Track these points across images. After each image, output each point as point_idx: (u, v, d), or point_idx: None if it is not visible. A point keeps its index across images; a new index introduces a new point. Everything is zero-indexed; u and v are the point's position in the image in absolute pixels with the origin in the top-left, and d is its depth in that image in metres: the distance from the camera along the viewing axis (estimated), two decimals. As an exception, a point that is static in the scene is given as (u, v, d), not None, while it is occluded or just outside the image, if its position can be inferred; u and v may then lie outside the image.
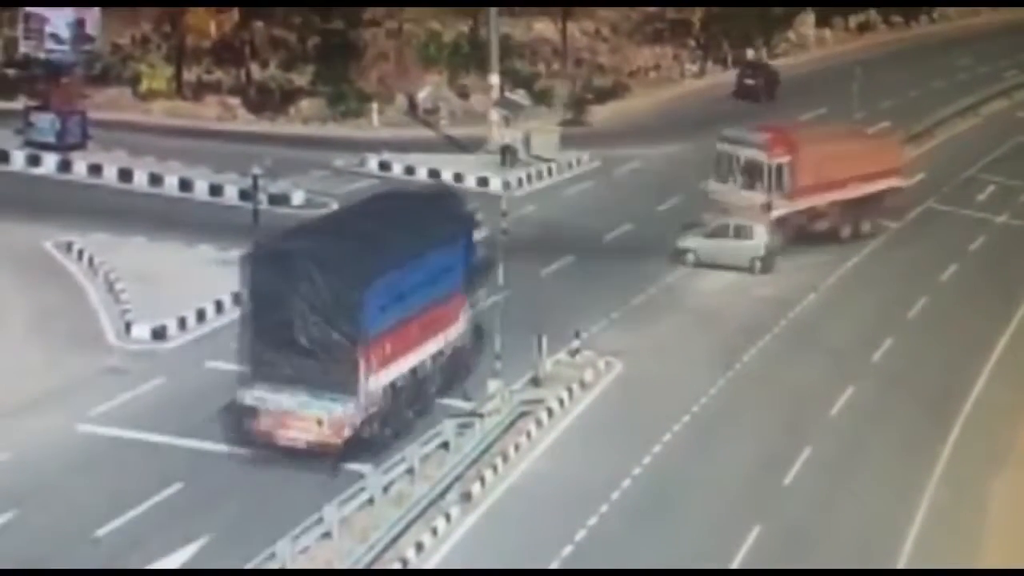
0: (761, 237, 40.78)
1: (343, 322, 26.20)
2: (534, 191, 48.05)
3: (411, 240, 28.48)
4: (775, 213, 41.79)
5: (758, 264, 40.74)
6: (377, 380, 26.90)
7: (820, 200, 43.11)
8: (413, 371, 28.45)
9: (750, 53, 71.44)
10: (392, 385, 27.60)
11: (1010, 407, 33.73)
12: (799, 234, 42.76)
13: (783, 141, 42.78)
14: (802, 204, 42.61)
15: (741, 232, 40.89)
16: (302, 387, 26.38)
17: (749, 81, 64.93)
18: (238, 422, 27.18)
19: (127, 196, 43.67)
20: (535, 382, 31.55)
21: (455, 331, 30.22)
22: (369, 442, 27.01)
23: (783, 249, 41.75)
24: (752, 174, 42.18)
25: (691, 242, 41.14)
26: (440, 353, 29.60)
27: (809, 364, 35.02)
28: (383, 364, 27.09)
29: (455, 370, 30.43)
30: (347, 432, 26.37)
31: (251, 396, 26.74)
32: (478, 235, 30.73)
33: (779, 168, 42.02)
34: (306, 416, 26.37)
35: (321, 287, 26.19)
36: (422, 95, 57.96)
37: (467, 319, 30.87)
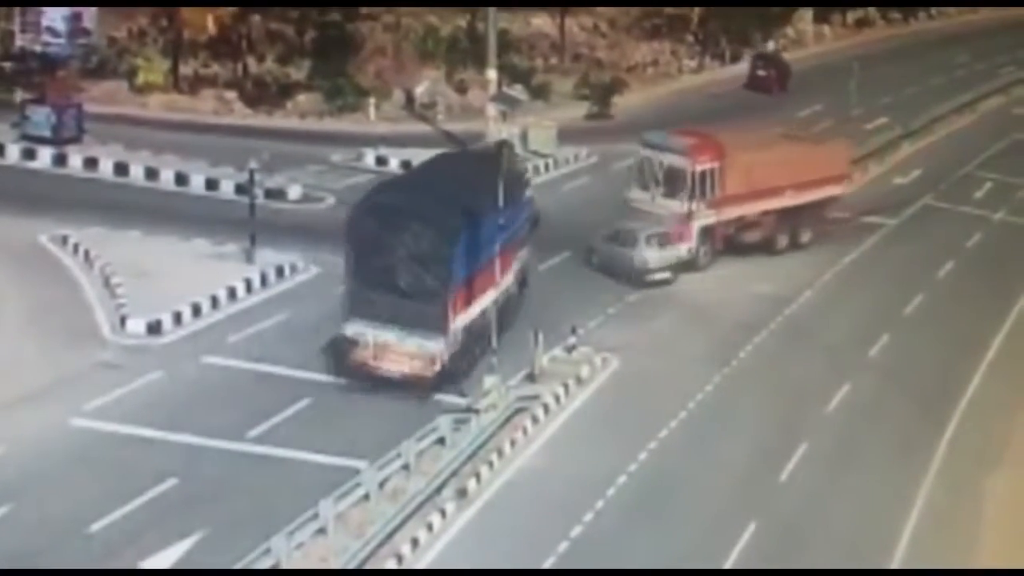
0: (642, 249, 38.18)
1: (437, 269, 29.63)
2: (531, 186, 47.90)
3: (484, 196, 30.72)
4: (699, 223, 39.78)
5: (634, 276, 38.12)
6: (460, 321, 30.20)
7: (751, 209, 41.04)
8: (482, 314, 31.20)
9: (770, 45, 71.51)
10: (468, 325, 30.70)
11: (1006, 404, 33.75)
12: (729, 245, 40.85)
13: (708, 146, 40.48)
14: (730, 214, 40.56)
15: (627, 241, 38.55)
16: (399, 325, 29.60)
17: (761, 72, 64.93)
18: (341, 353, 30.21)
19: (123, 190, 43.57)
20: (531, 378, 31.54)
21: (509, 279, 33.38)
22: (451, 375, 30.09)
23: (710, 260, 40.14)
24: (674, 181, 39.85)
25: (596, 243, 39.44)
26: (498, 299, 32.11)
27: (805, 361, 35.01)
28: (464, 307, 30.43)
29: (507, 315, 32.88)
30: (438, 366, 29.65)
31: (353, 330, 29.88)
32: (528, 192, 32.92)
33: (703, 175, 39.77)
34: (402, 350, 29.68)
35: (421, 238, 29.67)
36: (419, 90, 57.87)
37: (516, 269, 34.09)
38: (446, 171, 34.45)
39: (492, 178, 30.79)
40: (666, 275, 38.78)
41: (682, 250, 39.38)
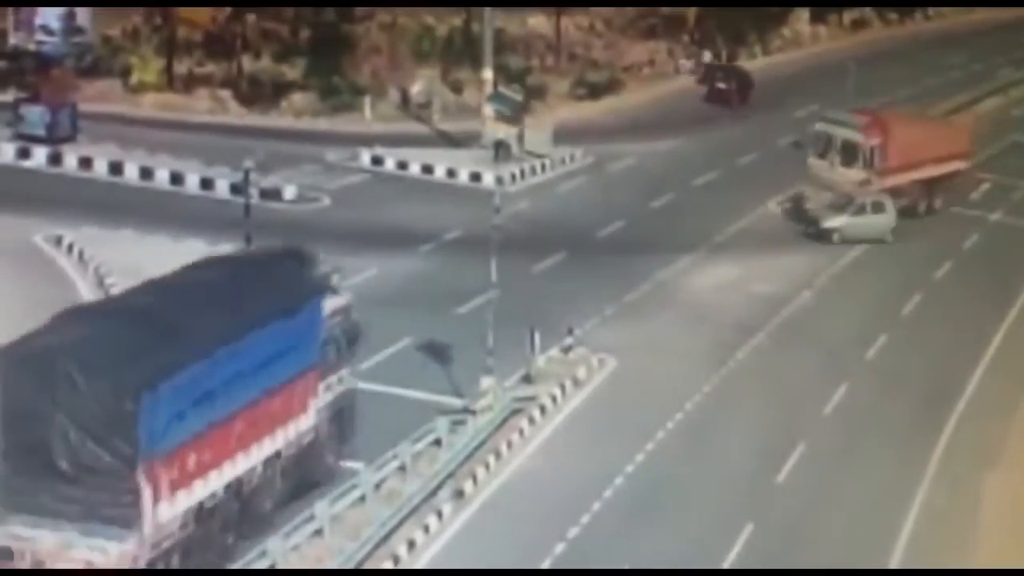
0: (891, 211, 44.83)
1: (115, 439, 20.71)
2: (527, 187, 47.87)
3: (223, 322, 22.88)
4: (870, 189, 45.62)
5: (890, 235, 44.58)
6: (172, 505, 21.51)
7: (904, 179, 46.84)
8: (233, 485, 23.04)
9: (707, 55, 68.27)
10: (199, 507, 22.20)
11: (1003, 405, 33.70)
12: None
13: (877, 124, 46.98)
14: (889, 182, 46.37)
15: (877, 207, 44.80)
16: (67, 521, 20.99)
17: (722, 85, 62.04)
18: None
19: (117, 189, 43.42)
20: (528, 379, 31.42)
21: (301, 424, 24.86)
22: None
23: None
24: (849, 153, 46.32)
25: (836, 222, 44.22)
26: (277, 455, 24.19)
27: (803, 361, 34.93)
28: (182, 484, 21.68)
29: (306, 471, 25.17)
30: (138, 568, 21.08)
31: (4, 534, 21.13)
32: (336, 301, 25.89)
33: (872, 149, 46.06)
34: (73, 558, 20.93)
35: (86, 395, 20.73)
36: (415, 89, 57.76)
37: (324, 404, 25.69)
38: (177, 290, 24.22)
39: (254, 293, 24.01)
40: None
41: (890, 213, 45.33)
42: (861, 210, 44.64)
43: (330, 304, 25.62)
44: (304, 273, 25.97)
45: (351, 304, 26.59)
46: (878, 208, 44.91)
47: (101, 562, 20.80)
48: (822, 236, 44.09)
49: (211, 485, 22.38)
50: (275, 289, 24.73)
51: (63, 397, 20.79)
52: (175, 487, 21.48)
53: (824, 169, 46.79)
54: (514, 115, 49.57)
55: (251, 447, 23.32)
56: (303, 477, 25.08)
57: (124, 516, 20.89)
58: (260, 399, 23.41)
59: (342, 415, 26.47)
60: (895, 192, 46.52)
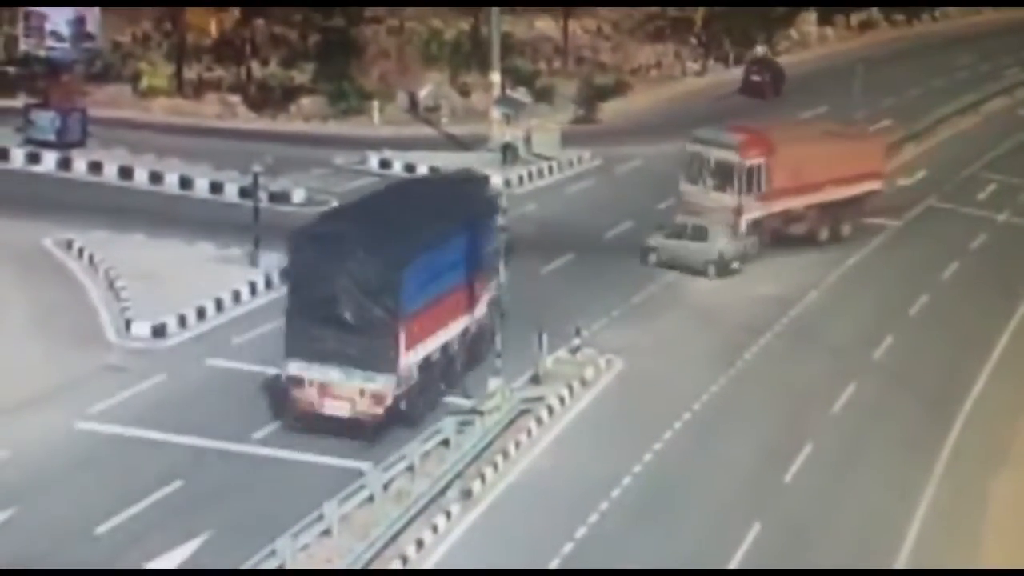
0: (716, 240, 39.69)
1: (385, 299, 27.51)
2: (535, 189, 48.01)
3: (443, 223, 29.83)
4: (748, 216, 40.99)
5: (711, 268, 39.56)
6: (414, 355, 28.31)
7: (797, 203, 42.28)
8: (444, 347, 29.70)
9: (759, 50, 71.40)
10: (427, 360, 28.94)
11: (1010, 405, 33.70)
12: (776, 238, 41.96)
13: (757, 142, 41.81)
14: (777, 207, 41.76)
15: (698, 234, 39.90)
16: (345, 360, 27.53)
17: (756, 77, 65.01)
18: (281, 395, 28.33)
19: (127, 194, 43.63)
20: (536, 380, 31.53)
21: (480, 309, 31.53)
22: (406, 415, 28.25)
23: (759, 253, 41.05)
24: (723, 176, 41.18)
25: (655, 241, 40.49)
26: (467, 330, 30.84)
27: (810, 362, 34.99)
28: (419, 340, 28.44)
29: (479, 347, 31.41)
30: (387, 403, 27.66)
31: (296, 368, 27.80)
32: (501, 218, 31.02)
33: (752, 170, 41.09)
34: (348, 387, 27.60)
35: (366, 265, 27.54)
36: (423, 93, 57.90)
37: (489, 298, 32.07)
38: (402, 198, 32.48)
39: (455, 205, 30.24)
40: (738, 265, 40.20)
41: (749, 241, 40.73)
42: (679, 233, 40.04)
43: (499, 220, 31.14)
44: (487, 192, 33.56)
45: (508, 224, 31.57)
46: (699, 234, 39.71)
47: (369, 390, 27.46)
48: (643, 253, 40.29)
49: (433, 344, 29.06)
50: (473, 202, 31.92)
51: (349, 266, 27.49)
52: (414, 342, 28.17)
53: (697, 195, 41.51)
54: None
55: (455, 320, 30.13)
56: (473, 353, 31.19)
57: (384, 361, 27.51)
58: (461, 285, 30.29)
59: (495, 309, 32.19)
60: (787, 218, 42.11)
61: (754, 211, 41.25)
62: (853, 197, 43.91)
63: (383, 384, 27.60)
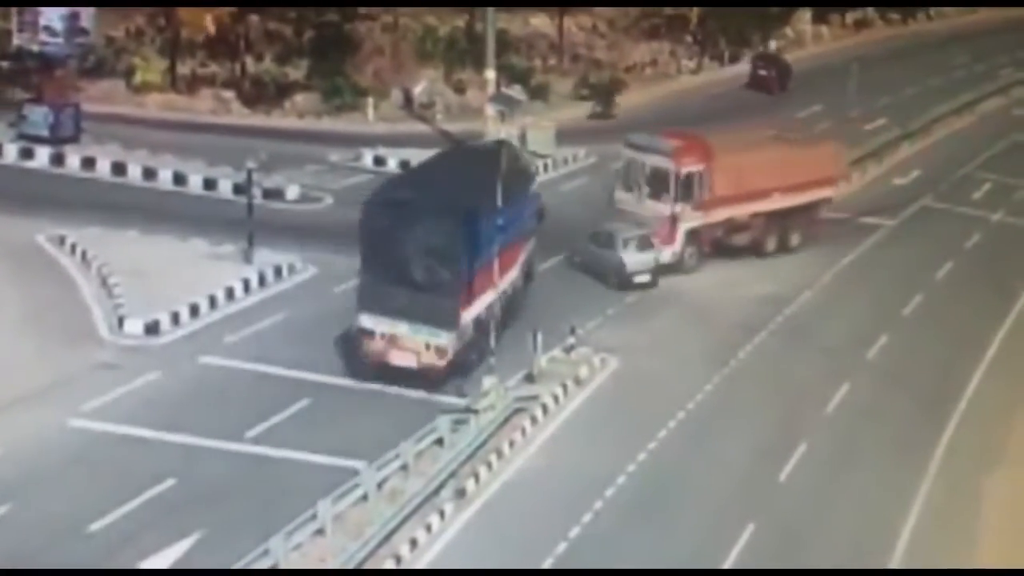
0: (621, 250, 37.88)
1: (450, 263, 30.08)
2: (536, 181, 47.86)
3: (496, 190, 30.78)
4: (685, 225, 39.56)
5: (612, 278, 37.88)
6: (470, 312, 30.78)
7: (740, 212, 40.80)
8: (488, 307, 31.48)
9: (771, 44, 71.87)
10: (478, 317, 31.18)
11: (1005, 404, 33.72)
12: (717, 248, 40.64)
13: (694, 148, 40.11)
14: (717, 216, 40.21)
15: (606, 242, 38.34)
16: (413, 316, 29.99)
17: (763, 72, 65.44)
18: (353, 345, 30.72)
19: (120, 190, 43.51)
20: (530, 378, 31.50)
21: (516, 271, 34.08)
22: (461, 367, 30.64)
23: (697, 263, 39.88)
24: (659, 183, 39.66)
25: (579, 243, 39.18)
26: (506, 291, 32.98)
27: (804, 361, 34.97)
28: (472, 300, 30.89)
29: (512, 309, 33.72)
30: (449, 357, 30.08)
31: (367, 321, 30.23)
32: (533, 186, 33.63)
33: (689, 177, 39.55)
34: (415, 341, 30.01)
35: (434, 232, 30.04)
36: (418, 90, 57.82)
37: (522, 262, 34.65)
38: (452, 167, 34.95)
39: (495, 173, 30.95)
40: (645, 278, 38.23)
41: (664, 253, 38.98)
42: (596, 239, 38.60)
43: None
44: (524, 161, 36.53)
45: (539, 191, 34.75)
46: (607, 242, 38.21)
47: (434, 344, 29.92)
48: (569, 255, 39.29)
49: (484, 302, 31.15)
50: (515, 169, 33.52)
51: (419, 231, 29.98)
52: (471, 300, 30.66)
53: (631, 203, 40.01)
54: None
55: (502, 280, 32.02)
56: (510, 311, 33.35)
57: (447, 317, 29.99)
58: (507, 248, 32.16)
59: (530, 272, 35.69)
60: (729, 227, 40.53)
61: (691, 220, 39.63)
62: (803, 205, 42.21)
63: (446, 340, 30.00)
